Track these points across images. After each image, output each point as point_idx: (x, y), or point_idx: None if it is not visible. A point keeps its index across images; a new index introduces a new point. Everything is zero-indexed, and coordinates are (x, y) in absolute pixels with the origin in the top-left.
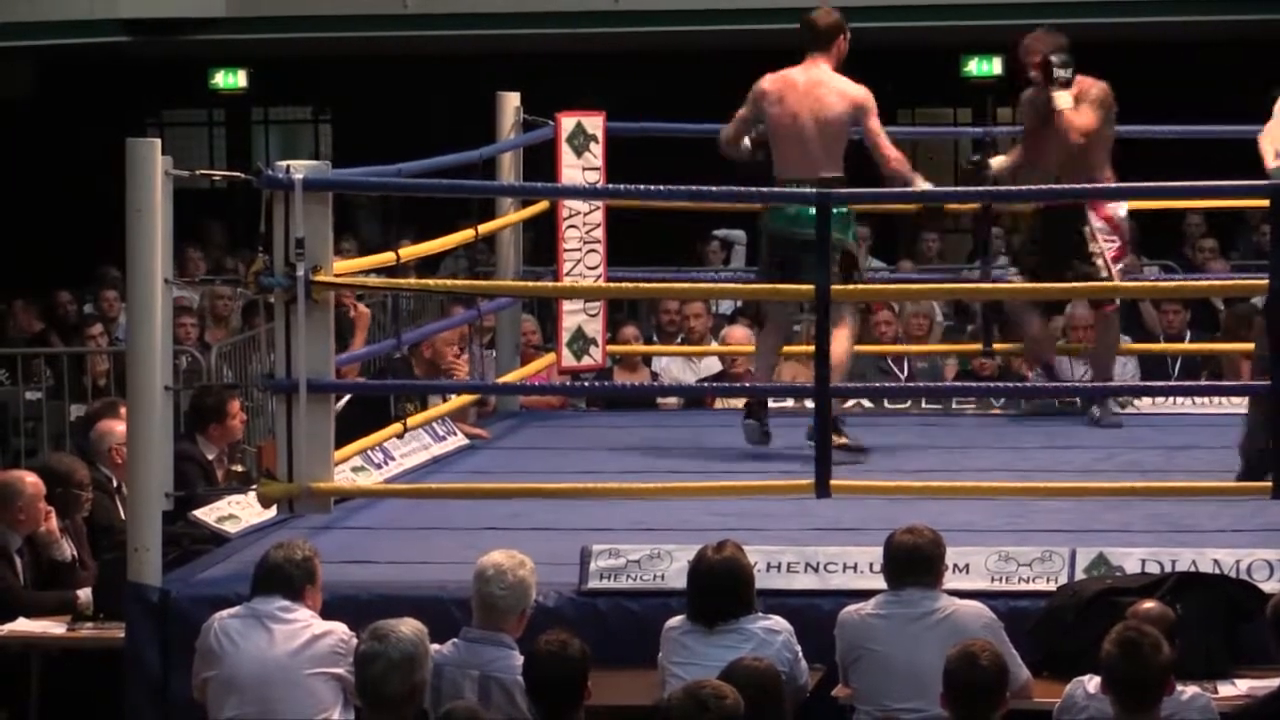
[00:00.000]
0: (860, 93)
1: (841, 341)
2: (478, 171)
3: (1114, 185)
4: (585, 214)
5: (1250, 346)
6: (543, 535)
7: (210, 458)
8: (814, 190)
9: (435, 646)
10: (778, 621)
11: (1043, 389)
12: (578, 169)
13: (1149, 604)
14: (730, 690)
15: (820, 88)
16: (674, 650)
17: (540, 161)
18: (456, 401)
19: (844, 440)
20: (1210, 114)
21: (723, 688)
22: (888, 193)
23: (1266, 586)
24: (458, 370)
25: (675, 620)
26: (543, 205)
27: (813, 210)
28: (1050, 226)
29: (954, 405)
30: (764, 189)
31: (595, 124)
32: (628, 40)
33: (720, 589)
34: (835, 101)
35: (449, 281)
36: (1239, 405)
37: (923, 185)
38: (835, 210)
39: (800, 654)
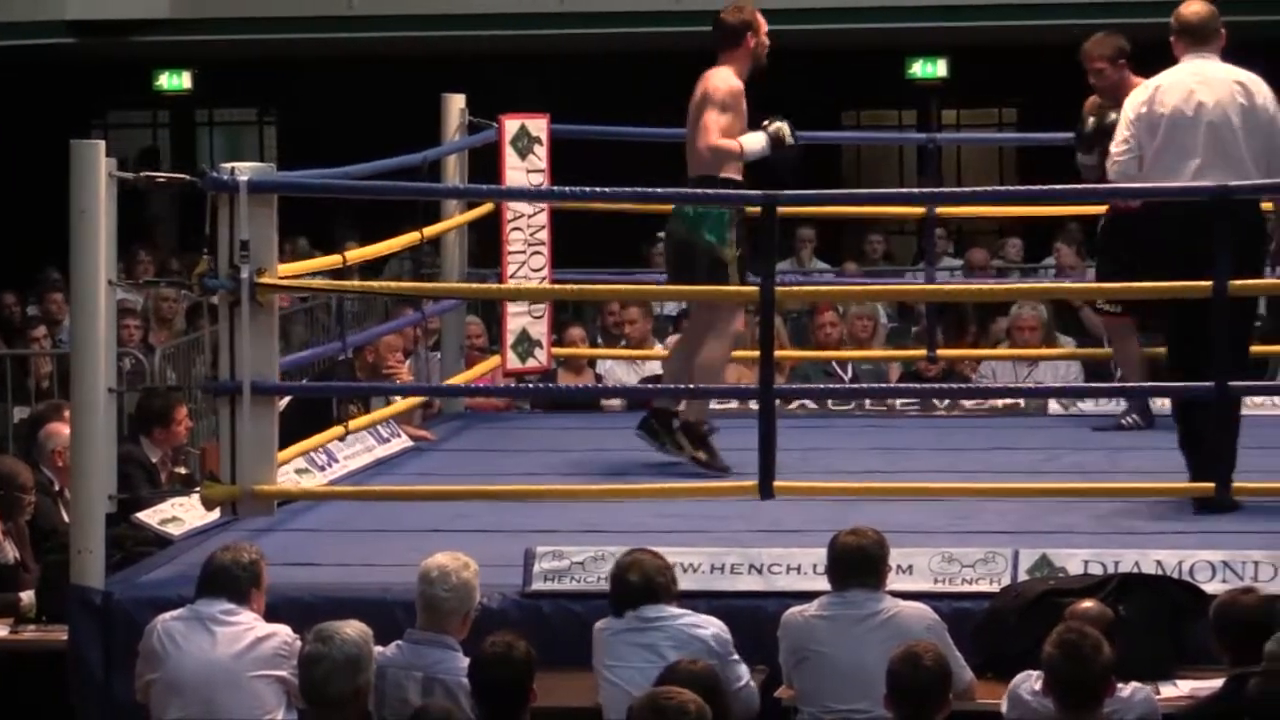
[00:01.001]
0: (711, 82)
1: (713, 349)
2: (422, 173)
3: (1045, 188)
4: (530, 216)
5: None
6: (487, 537)
7: (154, 460)
8: (761, 193)
9: (379, 649)
10: (705, 619)
11: (986, 390)
12: (521, 171)
13: (1087, 604)
14: (694, 702)
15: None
16: (602, 651)
17: (486, 163)
18: (400, 405)
19: (700, 455)
20: None
21: (687, 703)
22: (832, 194)
23: (1209, 587)
24: (399, 375)
25: (602, 621)
26: (487, 207)
27: (686, 210)
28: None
29: (898, 406)
30: (710, 190)
31: (539, 126)
32: (574, 42)
33: (625, 573)
34: (696, 95)
35: (394, 283)
36: None
37: (752, 148)
38: (700, 211)
39: (732, 653)
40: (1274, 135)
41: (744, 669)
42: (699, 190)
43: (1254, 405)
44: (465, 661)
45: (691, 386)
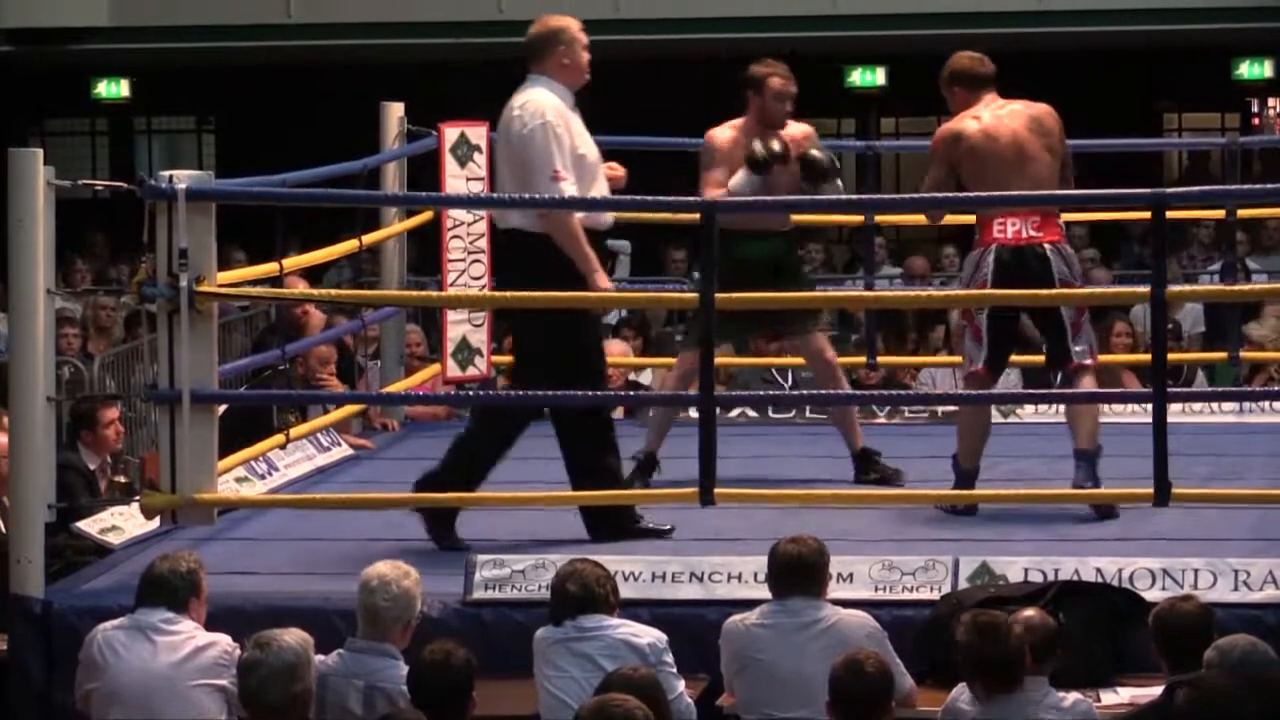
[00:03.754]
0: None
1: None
2: (361, 182)
3: (994, 194)
4: (469, 224)
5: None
6: (428, 545)
7: (92, 468)
8: (700, 200)
9: (320, 657)
10: (643, 629)
11: (925, 397)
12: (461, 179)
13: (1031, 612)
14: (640, 709)
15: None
16: (542, 660)
17: (426, 172)
18: (337, 414)
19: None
20: (1091, 125)
21: (634, 709)
22: (771, 201)
23: (1149, 595)
24: (330, 387)
25: (542, 630)
26: (427, 215)
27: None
28: None
29: None
30: (648, 198)
31: (479, 134)
32: (514, 50)
33: (564, 582)
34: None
35: (333, 291)
36: (1122, 414)
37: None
38: None
39: (668, 664)
40: (524, 164)
41: (679, 682)
42: (635, 199)
43: (1190, 412)
44: (406, 670)
45: (630, 395)
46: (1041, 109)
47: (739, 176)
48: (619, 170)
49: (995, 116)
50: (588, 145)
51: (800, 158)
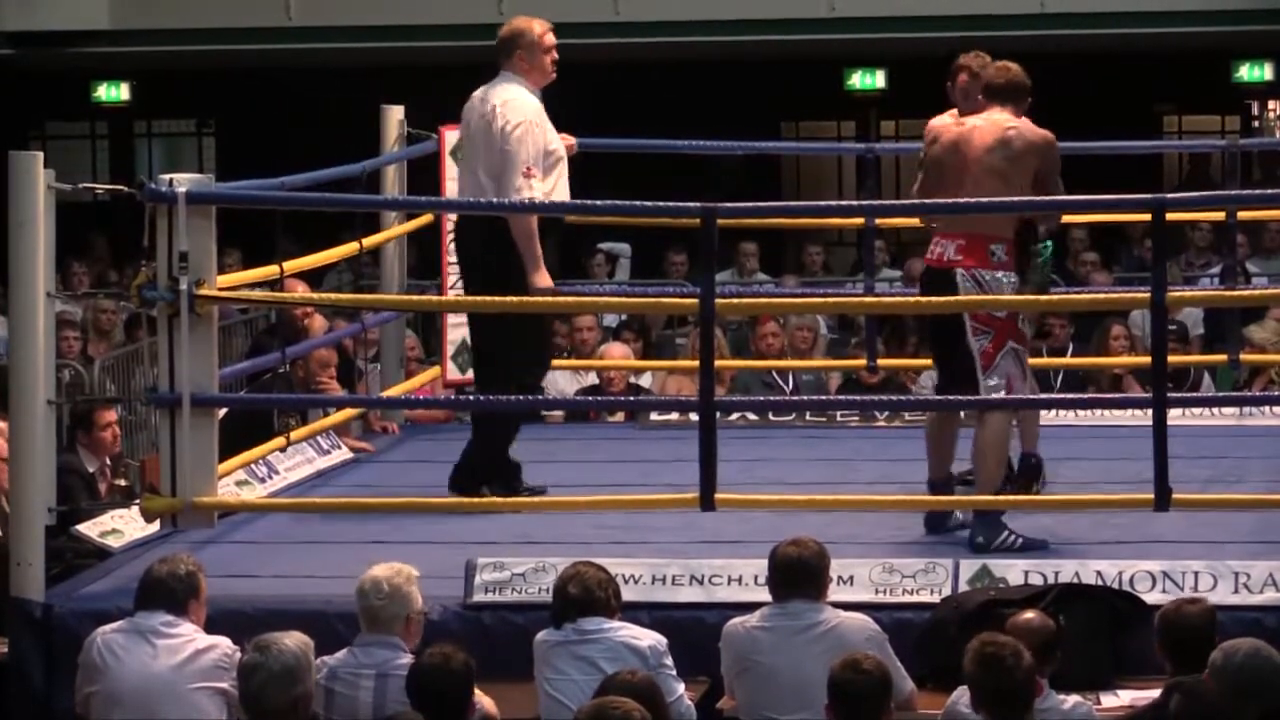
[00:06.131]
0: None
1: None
2: (361, 185)
3: (995, 200)
4: None
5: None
6: (427, 548)
7: (91, 470)
8: (700, 205)
9: (328, 656)
10: (643, 632)
11: (926, 402)
12: None
13: (1029, 614)
14: (639, 710)
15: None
16: (542, 663)
17: (425, 174)
18: (337, 417)
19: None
20: (1091, 127)
21: (632, 711)
22: (771, 207)
23: (1149, 598)
24: (330, 391)
25: (542, 633)
26: (427, 218)
27: None
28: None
29: (838, 418)
30: (647, 203)
31: None
32: None
33: (566, 585)
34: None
35: (333, 295)
36: (1121, 418)
37: None
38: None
39: (667, 667)
40: (503, 156)
41: (679, 685)
42: (635, 204)
43: (1189, 415)
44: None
45: (631, 399)
46: (1027, 136)
47: None
48: (571, 140)
49: (971, 127)
50: (557, 142)
51: None
